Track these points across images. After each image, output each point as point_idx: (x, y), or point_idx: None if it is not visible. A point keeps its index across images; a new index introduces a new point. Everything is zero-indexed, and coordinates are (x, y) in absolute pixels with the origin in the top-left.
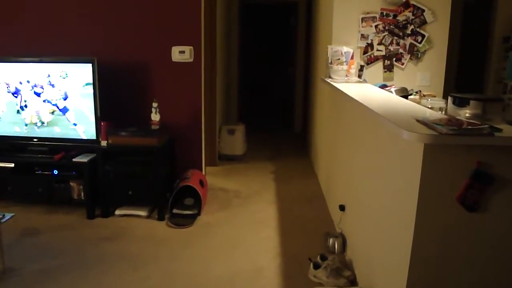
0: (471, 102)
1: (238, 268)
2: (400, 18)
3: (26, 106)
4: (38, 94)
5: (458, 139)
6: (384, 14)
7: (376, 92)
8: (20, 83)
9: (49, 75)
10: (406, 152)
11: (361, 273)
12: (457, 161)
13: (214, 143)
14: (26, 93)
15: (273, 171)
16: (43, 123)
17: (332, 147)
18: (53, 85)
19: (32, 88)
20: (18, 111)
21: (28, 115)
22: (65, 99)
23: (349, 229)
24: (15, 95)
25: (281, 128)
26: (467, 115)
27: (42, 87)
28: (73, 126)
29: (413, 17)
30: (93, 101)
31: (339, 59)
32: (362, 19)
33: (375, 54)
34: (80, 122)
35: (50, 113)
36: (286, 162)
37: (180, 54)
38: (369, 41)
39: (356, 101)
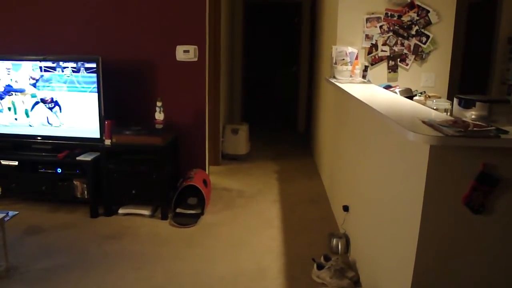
0: (477, 103)
1: (241, 268)
2: (405, 18)
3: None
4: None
5: (464, 141)
6: (389, 14)
7: (380, 92)
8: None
9: (53, 73)
10: (412, 153)
11: (365, 274)
12: (463, 163)
13: (217, 143)
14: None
15: (277, 171)
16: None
17: (336, 147)
18: (57, 82)
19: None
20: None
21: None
22: (68, 97)
23: (353, 230)
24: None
25: (284, 127)
26: (473, 116)
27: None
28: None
29: (417, 18)
30: (97, 100)
31: (343, 59)
32: (367, 20)
33: (379, 55)
34: (84, 120)
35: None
36: (289, 161)
37: (185, 53)
38: (374, 42)
39: (361, 101)
